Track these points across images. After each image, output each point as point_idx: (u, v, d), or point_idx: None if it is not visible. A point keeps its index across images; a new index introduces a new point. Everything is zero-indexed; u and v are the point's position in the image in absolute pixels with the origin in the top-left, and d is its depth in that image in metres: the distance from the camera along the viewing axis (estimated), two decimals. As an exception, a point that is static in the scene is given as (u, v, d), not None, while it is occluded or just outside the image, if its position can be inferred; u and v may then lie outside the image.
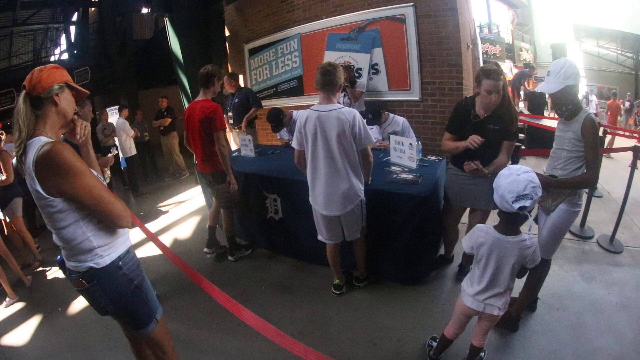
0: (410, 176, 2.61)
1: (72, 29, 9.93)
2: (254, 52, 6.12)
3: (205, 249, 3.35)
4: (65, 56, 10.06)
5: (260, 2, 5.68)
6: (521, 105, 8.43)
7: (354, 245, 2.50)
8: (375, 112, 3.38)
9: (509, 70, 13.67)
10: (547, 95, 1.95)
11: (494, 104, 2.12)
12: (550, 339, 2.19)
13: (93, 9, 9.88)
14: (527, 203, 1.47)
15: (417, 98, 4.60)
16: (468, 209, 2.56)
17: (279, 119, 3.62)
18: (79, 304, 2.79)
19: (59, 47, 10.30)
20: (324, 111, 2.12)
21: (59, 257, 1.44)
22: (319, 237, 2.46)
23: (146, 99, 9.27)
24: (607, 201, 4.51)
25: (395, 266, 2.64)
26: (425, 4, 4.27)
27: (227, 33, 6.32)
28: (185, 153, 6.40)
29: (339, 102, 2.23)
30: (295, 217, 2.88)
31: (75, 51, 9.85)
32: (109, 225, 1.35)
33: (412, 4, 4.34)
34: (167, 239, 3.86)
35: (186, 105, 5.31)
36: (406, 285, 2.65)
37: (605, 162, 5.55)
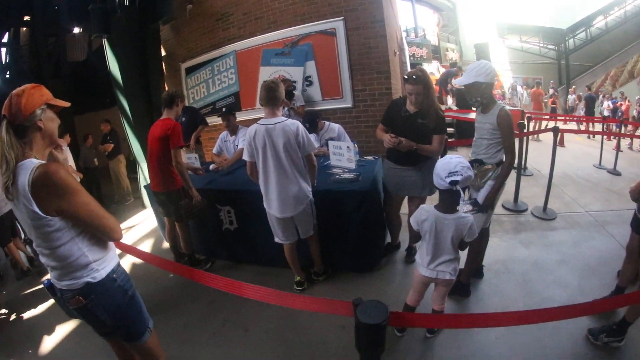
0: (351, 175, 2.88)
1: (3, 50, 9.18)
2: (190, 70, 6.17)
3: None
4: (-4, 79, 9.30)
5: (196, 21, 5.77)
6: (449, 102, 9.16)
7: (310, 243, 2.71)
8: (312, 122, 3.64)
9: (436, 70, 14.85)
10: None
11: (416, 102, 2.48)
12: (501, 298, 2.48)
13: (24, 29, 9.23)
14: (458, 178, 1.76)
15: (349, 105, 4.95)
16: (407, 198, 2.87)
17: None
18: (51, 341, 2.66)
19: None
20: (270, 124, 2.32)
21: (46, 280, 1.43)
22: (276, 239, 2.65)
23: (82, 124, 8.81)
24: (537, 178, 5.12)
25: (348, 257, 2.88)
26: (355, 18, 4.62)
27: (163, 53, 6.30)
28: (133, 177, 6.24)
29: (283, 115, 2.47)
30: (251, 225, 3.03)
31: (7, 74, 9.12)
32: (102, 239, 1.39)
33: (342, 18, 4.67)
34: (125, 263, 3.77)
35: (127, 127, 5.25)
36: (361, 273, 2.89)
37: (533, 145, 6.31)
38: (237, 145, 3.77)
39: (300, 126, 2.37)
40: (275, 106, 2.37)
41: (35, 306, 3.10)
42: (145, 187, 4.03)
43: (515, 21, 15.93)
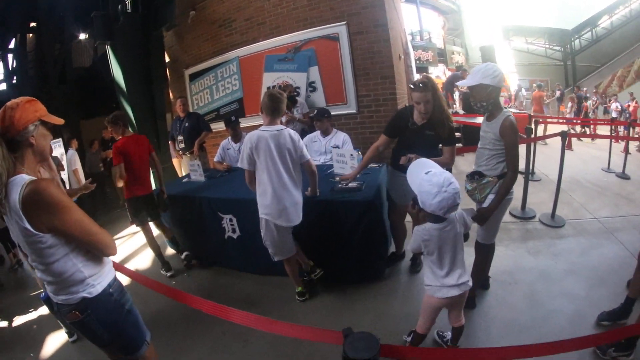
0: (355, 184, 2.83)
1: (9, 56, 9.28)
2: (194, 77, 6.20)
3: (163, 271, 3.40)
4: (3, 86, 9.34)
5: (199, 27, 5.82)
6: (456, 106, 9.05)
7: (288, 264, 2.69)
8: (321, 114, 3.64)
9: (442, 73, 14.68)
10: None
11: (425, 112, 2.37)
12: (507, 310, 2.41)
13: (31, 35, 9.31)
14: (457, 209, 1.67)
15: (354, 111, 4.93)
16: None
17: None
18: (52, 345, 2.65)
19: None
20: (274, 131, 2.33)
21: (43, 294, 1.43)
22: (276, 259, 2.59)
23: (87, 129, 8.88)
24: (545, 183, 5.01)
25: (352, 268, 2.82)
26: (357, 22, 4.61)
27: (167, 59, 6.34)
28: None
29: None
30: (253, 234, 2.96)
31: (14, 80, 9.20)
32: (96, 254, 1.38)
33: (344, 22, 4.66)
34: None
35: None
36: (364, 284, 2.83)
37: (540, 148, 6.22)
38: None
39: (297, 134, 2.41)
40: (277, 116, 2.38)
41: (36, 308, 3.13)
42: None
43: (520, 23, 15.85)
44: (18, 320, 3.12)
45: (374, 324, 2.43)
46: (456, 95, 9.12)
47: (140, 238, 4.58)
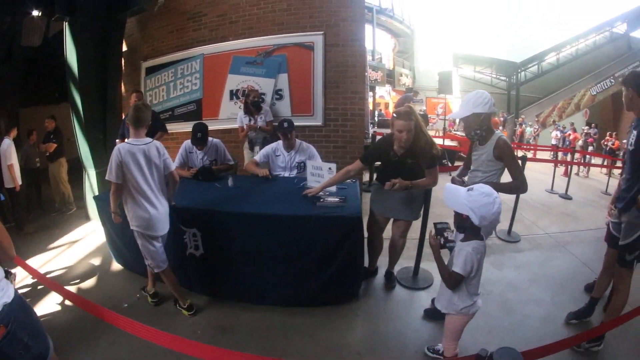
0: (337, 199, 2.69)
1: None
2: (151, 70, 5.73)
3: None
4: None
5: (166, 17, 5.38)
6: None
7: (165, 276, 2.58)
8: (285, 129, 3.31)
9: (387, 93, 15.78)
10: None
11: (406, 141, 2.35)
12: (487, 318, 2.54)
13: None
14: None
15: (319, 123, 4.84)
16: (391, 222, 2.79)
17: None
18: None
19: None
20: (141, 145, 2.35)
21: None
22: (156, 270, 2.55)
23: (28, 118, 7.81)
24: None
25: (328, 288, 2.64)
26: (335, 34, 4.55)
27: (124, 48, 5.76)
28: (74, 183, 5.55)
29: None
30: (219, 252, 2.70)
31: None
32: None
33: (322, 32, 4.58)
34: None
35: (77, 126, 4.65)
36: (342, 304, 2.70)
37: None
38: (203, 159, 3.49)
39: (162, 146, 2.47)
40: (142, 128, 2.40)
41: None
42: (95, 198, 3.56)
43: (470, 52, 16.89)
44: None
45: (361, 343, 2.37)
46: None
47: (79, 249, 4.04)
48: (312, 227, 2.48)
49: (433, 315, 2.56)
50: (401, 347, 2.31)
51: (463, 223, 1.68)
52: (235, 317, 2.62)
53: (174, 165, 2.47)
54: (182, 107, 5.56)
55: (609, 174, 7.37)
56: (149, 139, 2.42)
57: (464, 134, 10.93)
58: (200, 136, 3.36)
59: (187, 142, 3.54)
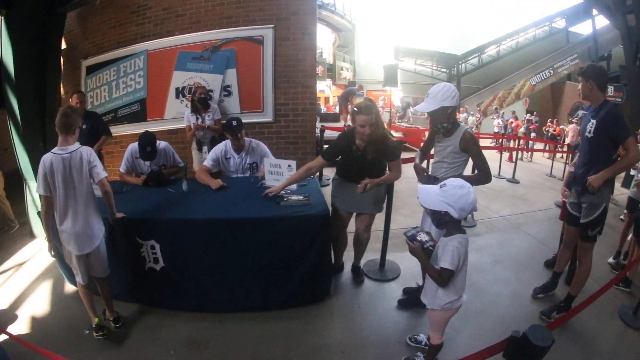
0: (300, 197, 2.61)
1: None
2: (92, 69, 5.23)
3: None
4: None
5: (107, 11, 4.89)
6: (348, 119, 9.42)
7: (100, 286, 2.40)
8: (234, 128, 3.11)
9: (327, 87, 16.04)
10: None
11: (368, 135, 2.34)
12: None
13: None
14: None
15: (270, 119, 4.75)
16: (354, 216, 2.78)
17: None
18: None
19: None
20: (65, 154, 2.17)
21: None
22: (78, 280, 2.33)
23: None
24: None
25: (300, 290, 2.55)
26: (285, 28, 4.45)
27: (64, 45, 5.18)
28: (14, 199, 4.90)
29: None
30: (181, 264, 2.49)
31: None
32: None
33: (272, 26, 4.47)
34: (21, 320, 2.70)
35: (14, 134, 4.08)
36: (314, 304, 2.62)
37: None
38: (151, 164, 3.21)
39: (91, 153, 2.25)
40: (69, 135, 2.21)
41: None
42: (39, 213, 3.10)
43: (412, 45, 17.44)
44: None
45: (343, 342, 2.30)
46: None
47: (27, 272, 3.52)
48: (279, 229, 2.36)
49: (407, 304, 2.60)
50: (383, 340, 2.30)
51: (442, 219, 1.66)
52: (206, 331, 2.42)
53: (103, 173, 2.26)
54: (126, 108, 5.13)
55: (553, 158, 7.92)
56: (76, 146, 2.24)
57: (408, 125, 11.41)
58: (149, 150, 3.08)
59: (133, 146, 3.24)
